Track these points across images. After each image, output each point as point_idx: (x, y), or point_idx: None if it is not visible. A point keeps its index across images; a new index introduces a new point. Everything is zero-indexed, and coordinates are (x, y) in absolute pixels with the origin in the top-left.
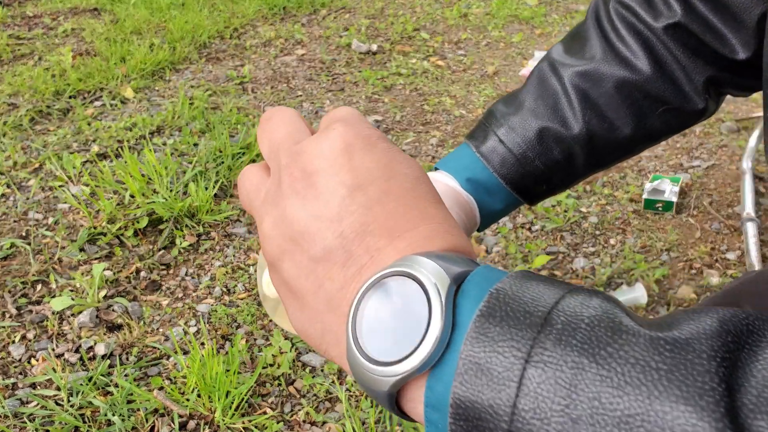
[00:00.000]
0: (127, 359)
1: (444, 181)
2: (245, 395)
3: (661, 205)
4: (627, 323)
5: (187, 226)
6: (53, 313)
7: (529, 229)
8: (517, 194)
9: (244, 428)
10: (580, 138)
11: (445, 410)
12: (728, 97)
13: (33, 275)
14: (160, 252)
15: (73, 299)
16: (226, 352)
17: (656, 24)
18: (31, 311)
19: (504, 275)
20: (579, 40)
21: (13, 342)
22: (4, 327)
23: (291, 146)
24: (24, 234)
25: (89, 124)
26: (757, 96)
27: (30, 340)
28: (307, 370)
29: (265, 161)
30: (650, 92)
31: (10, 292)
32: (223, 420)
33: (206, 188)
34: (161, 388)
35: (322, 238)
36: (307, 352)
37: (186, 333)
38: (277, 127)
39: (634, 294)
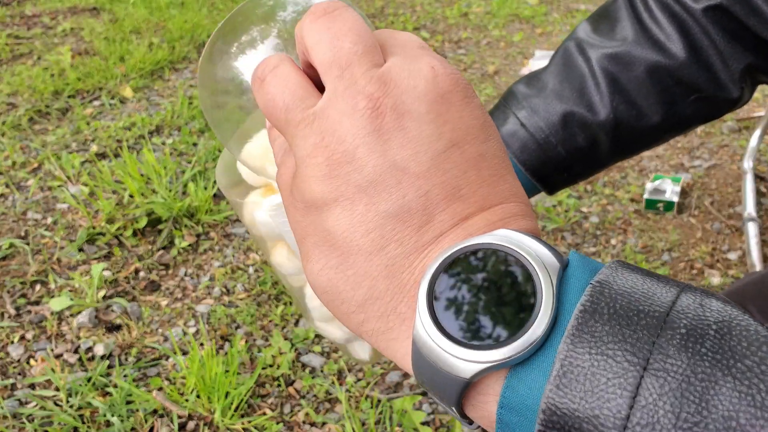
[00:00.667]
0: (126, 360)
1: None
2: (245, 396)
3: (662, 205)
4: (764, 332)
5: (186, 226)
6: (52, 313)
7: None
8: (537, 181)
9: (243, 429)
10: (606, 124)
11: (526, 414)
12: None
13: (32, 275)
14: (159, 252)
15: (72, 299)
16: (226, 353)
17: (695, 5)
18: (29, 311)
19: (601, 265)
20: (608, 20)
21: (12, 342)
22: (2, 327)
23: (371, 67)
24: (23, 234)
25: (88, 124)
26: (759, 95)
27: (29, 341)
28: (307, 370)
29: (305, 65)
30: (683, 78)
31: (8, 292)
32: (223, 421)
33: (205, 188)
34: (160, 389)
35: (401, 193)
36: (306, 353)
37: (185, 333)
38: (345, 31)
39: None
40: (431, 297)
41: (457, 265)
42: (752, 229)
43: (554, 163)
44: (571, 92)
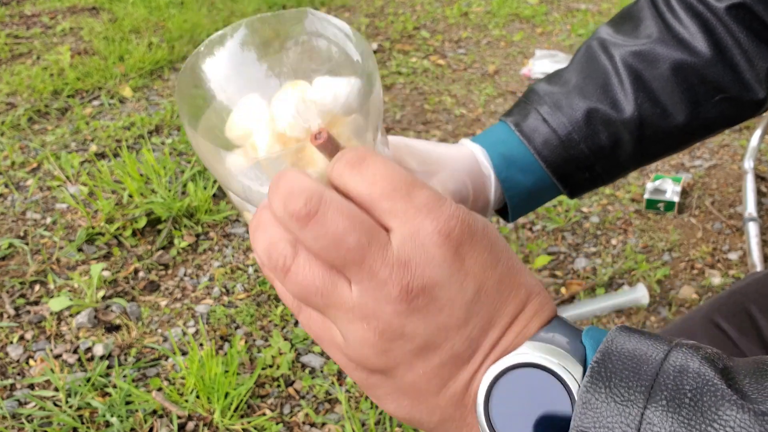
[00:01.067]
0: (126, 360)
1: (469, 150)
2: (244, 396)
3: (662, 205)
4: (729, 395)
5: (185, 226)
6: (51, 313)
7: (530, 229)
8: (558, 180)
9: (243, 429)
10: (631, 122)
11: None
12: None
13: (31, 275)
14: (159, 252)
15: (71, 300)
16: (225, 353)
17: (718, 4)
18: (29, 312)
19: (602, 337)
20: (631, 21)
21: (11, 342)
22: (2, 327)
23: (383, 254)
24: (22, 234)
25: (87, 124)
26: None
27: (28, 341)
28: (307, 371)
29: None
30: (707, 77)
31: (8, 292)
32: (222, 421)
33: (205, 188)
34: (160, 389)
35: (449, 345)
36: (306, 353)
37: (185, 334)
38: (342, 228)
39: (636, 294)
40: (488, 413)
41: (500, 383)
42: (753, 229)
43: (576, 162)
44: (595, 89)
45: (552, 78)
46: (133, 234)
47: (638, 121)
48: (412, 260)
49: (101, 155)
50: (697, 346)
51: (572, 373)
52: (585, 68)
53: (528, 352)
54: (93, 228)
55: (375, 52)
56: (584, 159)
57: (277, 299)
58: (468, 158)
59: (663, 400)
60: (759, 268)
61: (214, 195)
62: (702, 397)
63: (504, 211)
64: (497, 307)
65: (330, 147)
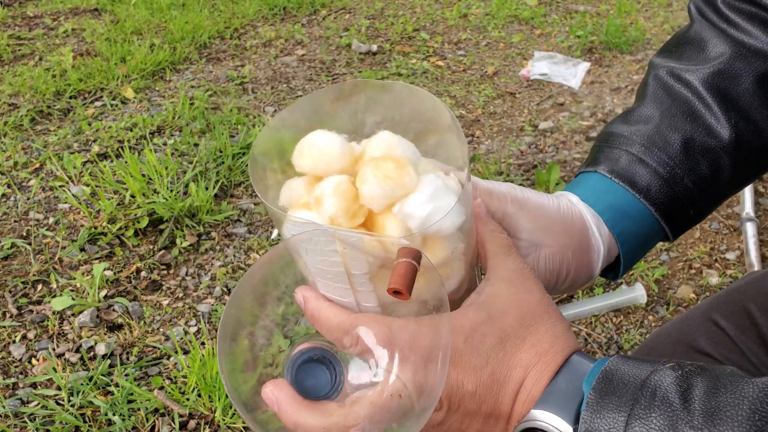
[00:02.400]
0: (128, 359)
1: (579, 214)
2: (249, 395)
3: None
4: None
5: (187, 226)
6: (54, 312)
7: None
8: (665, 222)
9: (244, 428)
10: (729, 146)
11: None
12: None
13: (33, 275)
14: (161, 252)
15: (73, 299)
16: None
17: None
18: (31, 311)
19: (594, 375)
20: (692, 46)
21: (14, 342)
22: (4, 327)
23: None
24: (25, 234)
25: (90, 125)
26: None
27: (30, 340)
28: None
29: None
30: None
31: (10, 291)
32: (224, 419)
33: (207, 188)
34: (161, 388)
35: (474, 427)
36: None
37: (186, 333)
38: None
39: (634, 294)
40: None
41: None
42: (750, 229)
43: (681, 199)
44: (683, 119)
45: (628, 117)
46: (135, 234)
47: (736, 143)
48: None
49: (103, 156)
50: (678, 365)
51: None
52: (663, 100)
53: (529, 420)
54: (95, 228)
55: (375, 53)
56: (689, 194)
57: (278, 299)
58: (578, 228)
59: (641, 410)
60: (756, 267)
61: (215, 195)
62: (664, 412)
63: (607, 270)
64: (497, 390)
65: (407, 265)
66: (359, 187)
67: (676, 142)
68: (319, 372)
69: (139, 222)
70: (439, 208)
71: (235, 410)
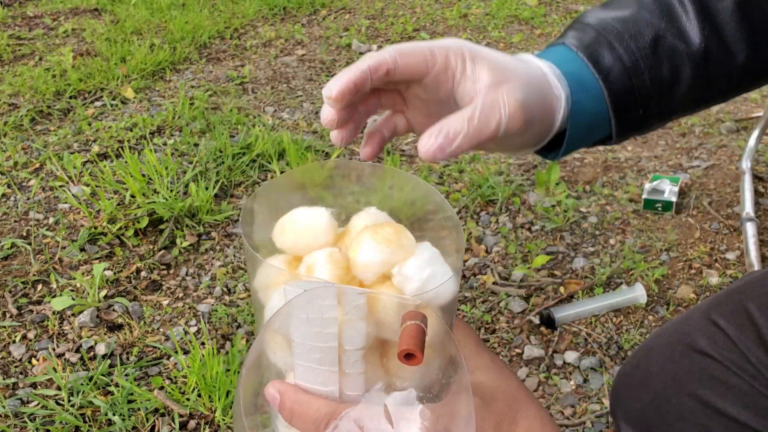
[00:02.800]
0: (128, 359)
1: (537, 66)
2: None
3: (660, 205)
4: None
5: (187, 226)
6: (54, 312)
7: (529, 229)
8: (614, 113)
9: None
10: (696, 55)
11: None
12: None
13: (33, 275)
14: (161, 252)
15: (73, 299)
16: (227, 352)
17: None
18: (31, 311)
19: None
20: None
21: (14, 342)
22: (4, 327)
23: None
24: (24, 234)
25: (90, 125)
26: (757, 96)
27: (30, 340)
28: None
29: None
30: None
31: (10, 291)
32: (224, 419)
33: (207, 188)
34: (162, 388)
35: None
36: None
37: (186, 333)
38: None
39: (634, 294)
40: None
41: None
42: (750, 229)
43: (636, 94)
44: (659, 17)
45: (608, 5)
46: (135, 234)
47: (704, 55)
48: None
49: (103, 156)
50: None
51: None
52: None
53: None
54: (95, 228)
55: None
56: (644, 92)
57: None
58: (538, 76)
59: None
60: (756, 267)
61: (215, 195)
62: None
63: (549, 149)
64: None
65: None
66: (353, 257)
67: (648, 35)
68: None
69: (139, 222)
70: (436, 273)
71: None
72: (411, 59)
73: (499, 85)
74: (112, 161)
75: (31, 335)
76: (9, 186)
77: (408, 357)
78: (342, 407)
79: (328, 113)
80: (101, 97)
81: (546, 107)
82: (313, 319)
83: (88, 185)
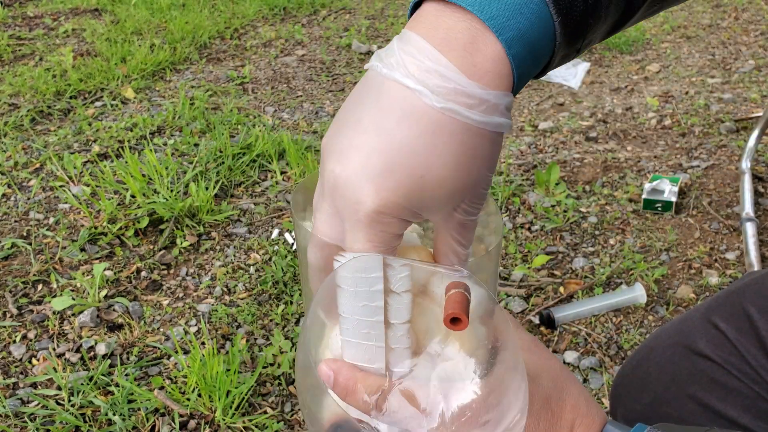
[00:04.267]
0: (128, 359)
1: None
2: (246, 395)
3: (660, 205)
4: None
5: (187, 226)
6: (54, 312)
7: (529, 229)
8: (555, 10)
9: (244, 428)
10: None
11: None
12: (728, 96)
13: (34, 275)
14: (161, 252)
15: (73, 299)
16: (227, 352)
17: None
18: (31, 311)
19: None
20: None
21: (14, 342)
22: (5, 327)
23: None
24: (25, 234)
25: (90, 125)
26: (756, 96)
27: (31, 340)
28: None
29: None
30: None
31: (11, 291)
32: (224, 419)
33: (207, 188)
34: (162, 388)
35: None
36: None
37: (186, 333)
38: None
39: (633, 294)
40: None
41: None
42: (750, 229)
43: None
44: None
45: None
46: (136, 234)
47: None
48: None
49: (104, 156)
50: None
51: None
52: None
53: None
54: (95, 228)
55: None
56: None
57: (278, 299)
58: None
59: None
60: (756, 267)
61: (215, 195)
62: None
63: None
64: None
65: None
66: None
67: None
68: None
69: (139, 222)
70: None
71: (235, 410)
72: None
73: None
74: (112, 161)
75: (31, 335)
76: (9, 186)
77: (454, 321)
78: (391, 382)
79: None
80: (101, 97)
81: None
82: (361, 292)
83: (88, 185)
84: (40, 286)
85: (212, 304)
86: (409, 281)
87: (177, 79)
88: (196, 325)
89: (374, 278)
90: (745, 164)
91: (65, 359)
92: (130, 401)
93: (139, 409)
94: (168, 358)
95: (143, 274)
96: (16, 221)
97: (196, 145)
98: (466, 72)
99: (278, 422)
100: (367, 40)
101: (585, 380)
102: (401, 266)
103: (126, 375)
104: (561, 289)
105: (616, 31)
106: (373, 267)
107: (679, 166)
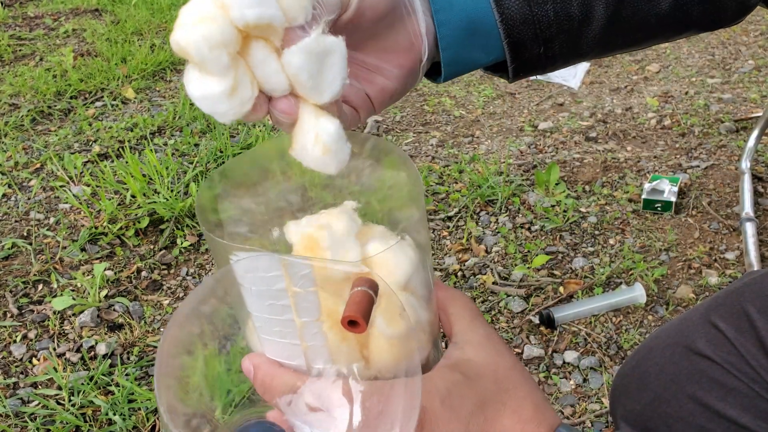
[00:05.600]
0: (128, 359)
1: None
2: (246, 394)
3: (660, 205)
4: None
5: (188, 225)
6: (54, 312)
7: (529, 229)
8: (509, 46)
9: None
10: None
11: None
12: (728, 96)
13: (34, 275)
14: (161, 252)
15: (74, 299)
16: (228, 352)
17: None
18: (32, 311)
19: None
20: None
21: (15, 341)
22: (5, 326)
23: None
24: (25, 234)
25: (90, 125)
26: (756, 96)
27: (31, 340)
28: None
29: None
30: None
31: (11, 291)
32: (223, 419)
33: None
34: None
35: None
36: None
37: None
38: None
39: (633, 294)
40: None
41: None
42: (750, 229)
43: (536, 27)
44: None
45: None
46: (136, 234)
47: None
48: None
49: (104, 156)
50: None
51: None
52: None
53: None
54: (96, 228)
55: None
56: (546, 26)
57: (244, 408)
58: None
59: None
60: (756, 267)
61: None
62: None
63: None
64: None
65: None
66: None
67: None
68: None
69: (139, 222)
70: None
71: (234, 409)
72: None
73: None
74: (112, 161)
75: (31, 335)
76: (10, 186)
77: (352, 324)
78: (305, 380)
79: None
80: (102, 97)
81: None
82: (262, 291)
83: (88, 185)
84: (40, 286)
85: (213, 305)
86: (312, 279)
87: (177, 79)
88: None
89: (273, 277)
90: (745, 164)
91: (65, 359)
92: (130, 401)
93: (139, 408)
94: None
95: (144, 274)
96: (16, 221)
97: (196, 145)
98: None
99: None
100: None
101: (585, 380)
102: (302, 264)
103: (126, 375)
104: (561, 289)
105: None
106: (270, 266)
107: (678, 166)
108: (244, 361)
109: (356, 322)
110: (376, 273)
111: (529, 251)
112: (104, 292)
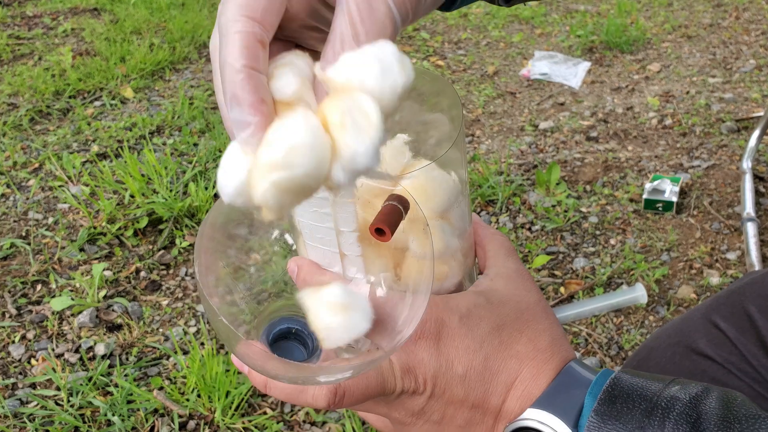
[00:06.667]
0: (127, 359)
1: None
2: (245, 395)
3: (661, 205)
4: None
5: (186, 225)
6: (53, 313)
7: (529, 229)
8: None
9: (243, 428)
10: None
11: None
12: (729, 96)
13: (33, 275)
14: (160, 252)
15: (72, 299)
16: (226, 352)
17: None
18: (30, 311)
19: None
20: None
21: (13, 342)
22: (3, 327)
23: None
24: (24, 234)
25: (89, 124)
26: (757, 95)
27: (30, 340)
28: None
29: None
30: None
31: (9, 292)
32: (223, 420)
33: (206, 188)
34: (161, 388)
35: (460, 416)
36: None
37: (186, 333)
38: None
39: (634, 294)
40: None
41: None
42: (751, 229)
43: None
44: None
45: None
46: (135, 234)
47: None
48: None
49: (103, 156)
50: (683, 385)
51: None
52: None
53: (525, 419)
54: (95, 228)
55: None
56: None
57: (279, 298)
58: None
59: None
60: (757, 267)
61: (215, 195)
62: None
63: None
64: (489, 379)
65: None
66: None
67: None
68: (294, 347)
69: (138, 222)
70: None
71: (234, 410)
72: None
73: None
74: (111, 161)
75: (30, 335)
76: (8, 186)
77: (378, 233)
78: (342, 282)
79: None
80: (100, 96)
81: None
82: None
83: (87, 185)
84: (39, 287)
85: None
86: (351, 191)
87: (176, 78)
88: (195, 325)
89: None
90: (746, 164)
91: (64, 359)
92: (129, 402)
93: (138, 409)
94: (167, 359)
95: (142, 274)
96: (15, 221)
97: (195, 144)
98: None
99: (278, 423)
100: None
101: None
102: None
103: (125, 375)
104: (562, 289)
105: None
106: None
107: (680, 165)
108: (291, 262)
109: (382, 230)
110: (411, 194)
111: (529, 251)
112: (103, 293)
